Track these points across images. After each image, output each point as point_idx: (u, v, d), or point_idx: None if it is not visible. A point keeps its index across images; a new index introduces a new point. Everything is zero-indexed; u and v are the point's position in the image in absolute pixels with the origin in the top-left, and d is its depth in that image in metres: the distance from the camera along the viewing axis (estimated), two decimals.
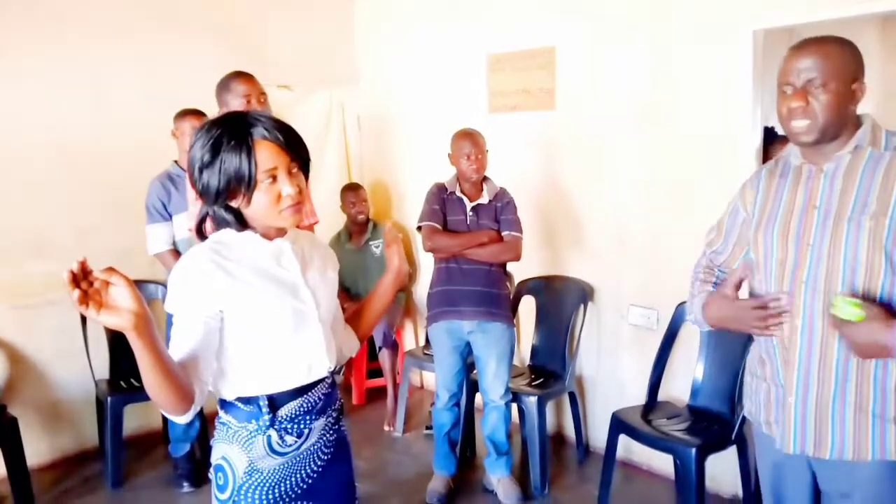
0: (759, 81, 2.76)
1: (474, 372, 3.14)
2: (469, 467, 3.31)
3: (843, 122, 1.51)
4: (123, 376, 3.31)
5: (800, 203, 1.58)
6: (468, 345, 3.03)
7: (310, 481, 1.49)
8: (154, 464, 3.43)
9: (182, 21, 3.70)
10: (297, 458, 1.47)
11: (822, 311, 1.52)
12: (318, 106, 4.35)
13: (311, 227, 2.70)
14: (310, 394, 1.48)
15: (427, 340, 3.90)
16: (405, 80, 4.23)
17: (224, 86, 2.61)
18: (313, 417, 1.48)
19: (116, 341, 3.35)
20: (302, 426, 1.46)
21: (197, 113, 3.09)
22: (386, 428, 3.81)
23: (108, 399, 3.15)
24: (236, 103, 2.57)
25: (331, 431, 1.54)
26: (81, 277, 1.10)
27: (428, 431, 3.64)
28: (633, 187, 3.19)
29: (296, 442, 1.45)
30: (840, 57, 1.49)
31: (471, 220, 2.97)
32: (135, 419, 3.51)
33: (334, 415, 1.56)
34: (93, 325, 3.28)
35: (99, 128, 3.45)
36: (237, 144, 1.32)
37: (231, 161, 1.32)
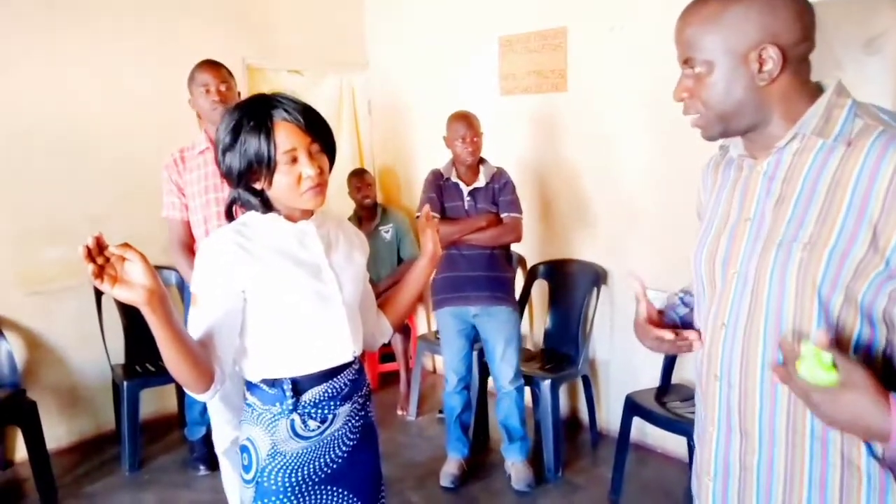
0: None
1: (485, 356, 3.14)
2: (483, 450, 3.32)
3: (758, 105, 1.07)
4: (139, 361, 3.33)
5: (734, 212, 1.16)
6: (475, 328, 3.04)
7: (334, 466, 1.48)
8: (170, 447, 3.46)
9: (194, 7, 3.69)
10: (321, 443, 1.45)
11: (742, 365, 1.11)
12: (328, 91, 4.34)
13: None
14: (335, 379, 1.46)
15: None
16: (416, 64, 4.20)
17: (190, 77, 2.64)
18: (338, 403, 1.47)
19: (132, 326, 3.38)
20: (326, 411, 1.45)
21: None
22: (399, 412, 3.84)
23: (125, 384, 3.17)
24: (198, 92, 2.59)
25: (357, 417, 1.52)
26: (97, 252, 1.12)
27: (441, 415, 3.65)
28: (646, 169, 3.16)
29: (319, 427, 1.44)
30: (715, 19, 1.05)
31: (469, 204, 2.94)
32: (151, 403, 3.55)
33: (360, 401, 1.53)
34: (108, 311, 3.31)
35: (112, 115, 3.46)
36: (256, 126, 1.34)
37: (251, 142, 1.34)
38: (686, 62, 1.10)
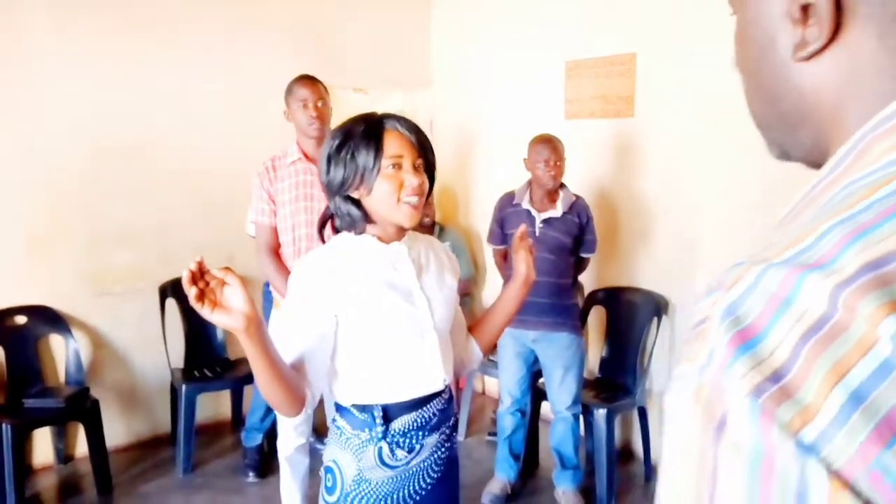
0: None
1: (541, 381, 3.09)
2: (531, 476, 3.26)
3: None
4: (198, 366, 3.41)
5: None
6: (534, 353, 2.99)
7: (417, 498, 1.45)
8: (222, 452, 3.52)
9: (264, 22, 3.77)
10: (407, 474, 1.43)
11: None
12: (391, 109, 4.39)
13: None
14: (425, 408, 1.44)
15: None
16: (480, 85, 4.21)
17: (288, 89, 2.67)
18: (426, 433, 1.44)
19: (192, 331, 3.47)
20: (413, 441, 1.43)
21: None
22: None
23: (183, 387, 3.23)
24: (296, 106, 2.62)
25: (443, 449, 1.49)
26: (199, 276, 1.12)
27: (490, 437, 3.61)
28: (713, 199, 3.07)
29: (406, 457, 1.42)
30: None
31: (540, 232, 2.89)
32: (206, 408, 3.61)
33: (447, 432, 1.51)
34: (171, 315, 3.40)
35: (181, 125, 3.54)
36: (367, 131, 1.37)
37: (359, 146, 1.36)
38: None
